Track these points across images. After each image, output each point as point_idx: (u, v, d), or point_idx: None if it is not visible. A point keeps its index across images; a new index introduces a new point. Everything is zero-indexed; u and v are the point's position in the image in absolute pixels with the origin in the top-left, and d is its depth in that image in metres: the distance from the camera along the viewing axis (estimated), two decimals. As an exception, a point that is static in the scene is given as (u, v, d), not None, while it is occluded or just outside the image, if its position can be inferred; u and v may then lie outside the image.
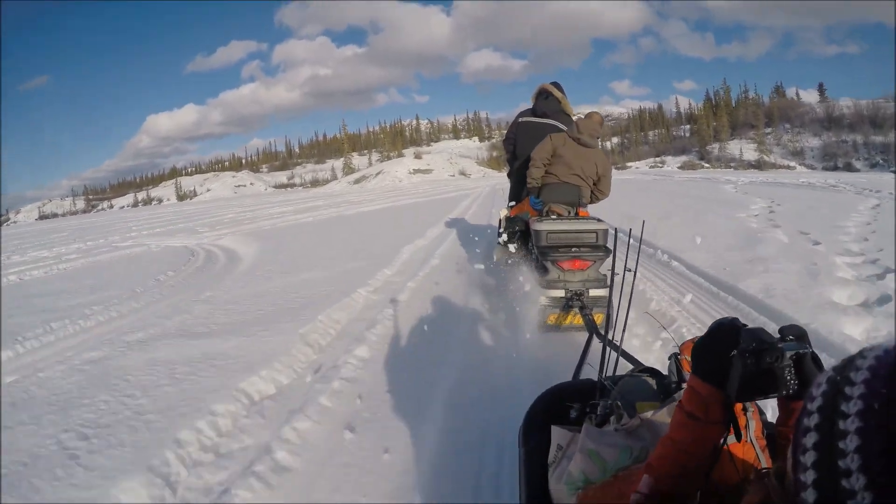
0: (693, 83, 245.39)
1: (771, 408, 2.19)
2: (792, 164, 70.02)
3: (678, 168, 71.96)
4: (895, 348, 0.68)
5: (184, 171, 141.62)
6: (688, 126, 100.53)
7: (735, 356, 1.11)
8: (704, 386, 1.15)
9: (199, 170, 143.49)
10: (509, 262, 5.67)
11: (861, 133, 70.59)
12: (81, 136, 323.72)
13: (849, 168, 61.30)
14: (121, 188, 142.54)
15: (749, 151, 75.41)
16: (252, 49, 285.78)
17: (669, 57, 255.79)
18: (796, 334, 1.18)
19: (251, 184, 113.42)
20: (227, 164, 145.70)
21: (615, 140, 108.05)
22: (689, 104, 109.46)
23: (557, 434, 1.82)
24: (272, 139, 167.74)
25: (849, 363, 0.71)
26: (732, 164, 72.12)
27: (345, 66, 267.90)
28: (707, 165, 73.50)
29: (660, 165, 77.63)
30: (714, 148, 79.39)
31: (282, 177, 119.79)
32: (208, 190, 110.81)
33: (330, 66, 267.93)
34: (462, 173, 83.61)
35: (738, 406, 1.25)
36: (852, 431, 0.63)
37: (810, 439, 0.69)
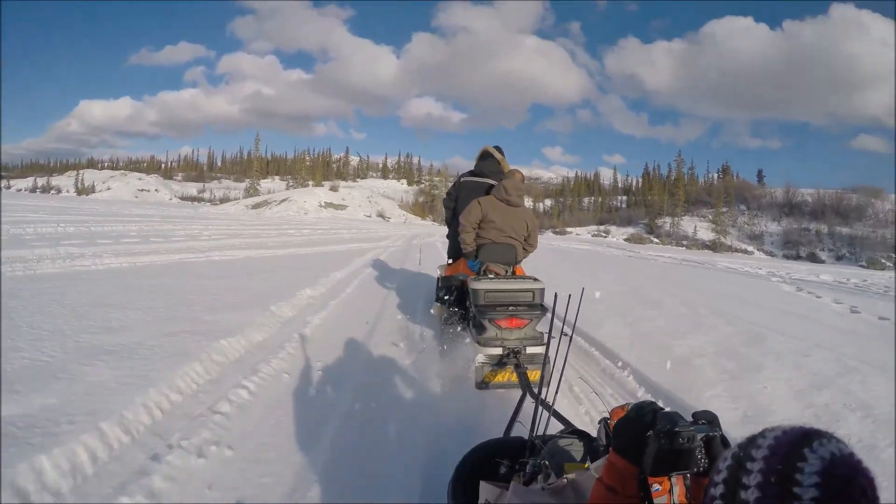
0: (622, 157, 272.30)
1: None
2: (750, 248, 62.01)
3: (624, 240, 63.94)
4: (791, 430, 0.83)
5: (100, 165, 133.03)
6: (624, 197, 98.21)
7: (651, 436, 1.25)
8: (622, 461, 1.29)
9: (115, 166, 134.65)
10: (445, 319, 5.83)
11: (825, 223, 63.50)
12: (6, 109, 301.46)
13: (812, 258, 54.47)
14: (30, 170, 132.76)
15: (703, 230, 67.39)
16: (200, 54, 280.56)
17: (604, 130, 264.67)
18: (708, 419, 1.33)
19: (156, 190, 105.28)
20: (144, 164, 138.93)
21: (548, 202, 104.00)
22: (627, 176, 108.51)
23: (486, 490, 1.91)
24: (197, 148, 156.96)
25: (751, 441, 0.84)
26: (685, 243, 63.74)
27: (289, 89, 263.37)
28: (656, 241, 64.98)
29: (604, 235, 68.65)
30: (665, 223, 70.95)
31: (193, 188, 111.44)
32: (108, 188, 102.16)
33: (274, 86, 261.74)
34: (381, 215, 73.08)
35: None
36: (752, 500, 0.76)
37: None
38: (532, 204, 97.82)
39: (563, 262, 17.47)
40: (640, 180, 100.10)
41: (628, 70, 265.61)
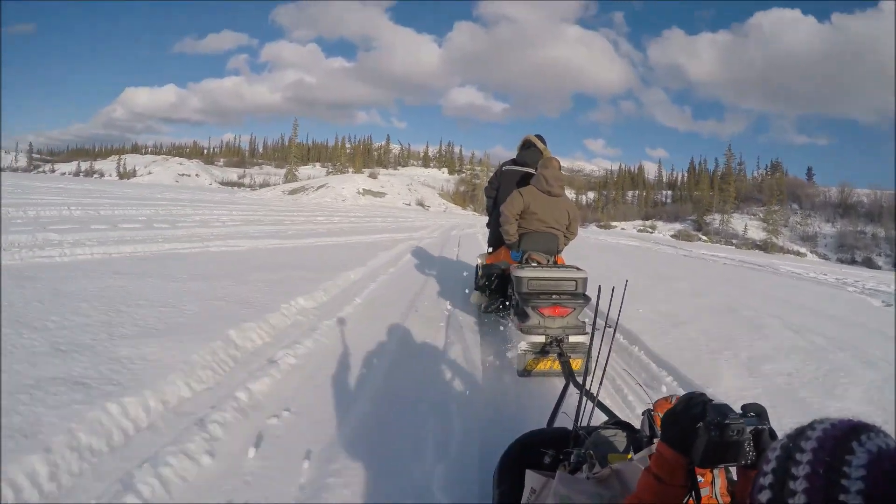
0: (665, 151, 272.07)
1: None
2: (802, 250, 59.16)
3: (671, 236, 61.56)
4: (839, 423, 0.82)
5: (144, 150, 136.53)
6: (669, 191, 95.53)
7: (701, 427, 1.23)
8: (671, 451, 1.29)
9: (158, 151, 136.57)
10: (485, 307, 5.98)
11: (882, 226, 60.26)
12: (55, 95, 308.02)
13: (869, 264, 51.56)
14: (77, 154, 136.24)
15: (753, 229, 64.63)
16: (243, 42, 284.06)
17: (646, 123, 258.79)
18: (757, 411, 1.31)
19: (196, 175, 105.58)
20: (187, 150, 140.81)
21: (591, 195, 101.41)
22: (673, 170, 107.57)
23: (532, 478, 1.91)
24: (239, 135, 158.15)
25: (800, 433, 0.84)
26: (734, 241, 61.12)
27: (330, 77, 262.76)
28: (704, 238, 62.49)
29: (650, 230, 66.22)
30: (714, 220, 68.34)
31: (233, 174, 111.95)
32: (150, 173, 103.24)
33: (316, 74, 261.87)
34: (420, 203, 71.44)
35: None
36: (800, 491, 0.76)
37: (764, 496, 0.82)
38: (575, 196, 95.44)
39: (619, 260, 15.49)
40: (686, 175, 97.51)
41: (672, 61, 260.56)
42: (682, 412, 1.31)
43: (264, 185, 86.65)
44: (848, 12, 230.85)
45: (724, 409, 1.25)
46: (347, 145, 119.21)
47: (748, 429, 1.24)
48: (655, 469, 1.31)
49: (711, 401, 1.31)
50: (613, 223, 71.63)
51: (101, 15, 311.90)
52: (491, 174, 7.23)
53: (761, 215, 67.34)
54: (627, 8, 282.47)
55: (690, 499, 1.34)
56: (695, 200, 76.94)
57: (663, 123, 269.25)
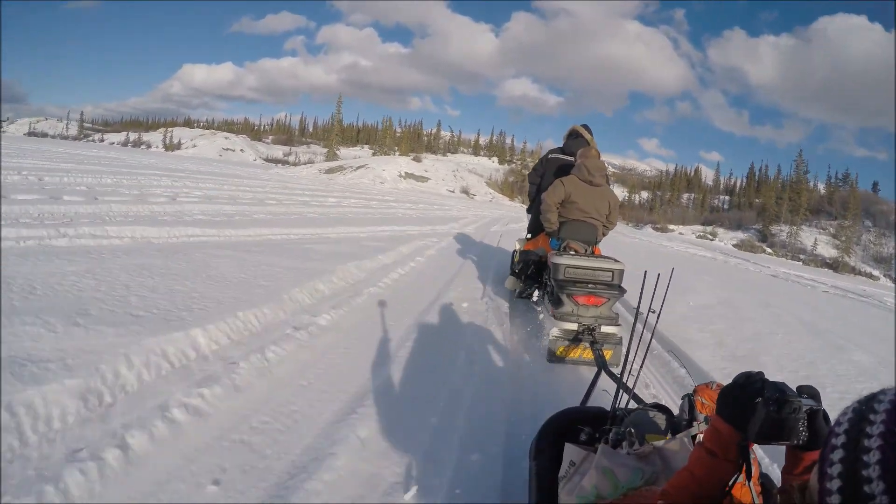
0: (719, 155, 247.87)
1: (767, 458, 2.65)
2: (875, 272, 53.37)
3: (733, 245, 56.10)
4: None
5: (195, 124, 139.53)
6: (726, 197, 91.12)
7: (759, 403, 1.25)
8: (726, 427, 1.31)
9: (209, 126, 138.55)
10: (519, 292, 6.33)
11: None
12: (115, 68, 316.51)
13: None
14: (130, 126, 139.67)
15: (822, 245, 59.01)
16: (300, 24, 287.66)
17: (702, 125, 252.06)
18: (811, 393, 1.33)
19: (241, 150, 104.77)
20: (238, 126, 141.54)
21: (644, 194, 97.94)
22: (731, 175, 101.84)
23: (571, 451, 1.96)
24: (289, 113, 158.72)
25: (872, 397, 0.86)
26: (802, 257, 55.56)
27: (386, 62, 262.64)
28: (770, 251, 57.09)
29: (710, 238, 60.80)
30: (781, 231, 62.69)
31: (279, 151, 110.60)
32: (194, 146, 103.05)
33: (371, 58, 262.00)
34: (465, 191, 66.58)
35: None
36: (874, 448, 0.78)
37: (837, 455, 0.84)
38: (628, 194, 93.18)
39: (706, 280, 12.11)
40: (745, 181, 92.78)
41: (732, 63, 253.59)
42: (741, 387, 1.32)
43: (309, 163, 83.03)
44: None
45: (781, 387, 1.27)
46: (397, 128, 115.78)
47: (804, 408, 1.25)
48: (709, 443, 1.34)
49: (769, 379, 1.31)
50: (671, 226, 66.43)
51: None
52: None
53: (832, 230, 61.58)
54: (689, 6, 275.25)
55: (741, 477, 1.35)
56: (759, 209, 71.25)
57: (719, 127, 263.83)
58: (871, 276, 51.12)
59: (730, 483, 1.33)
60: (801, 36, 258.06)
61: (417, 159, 71.34)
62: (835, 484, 0.82)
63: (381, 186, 51.95)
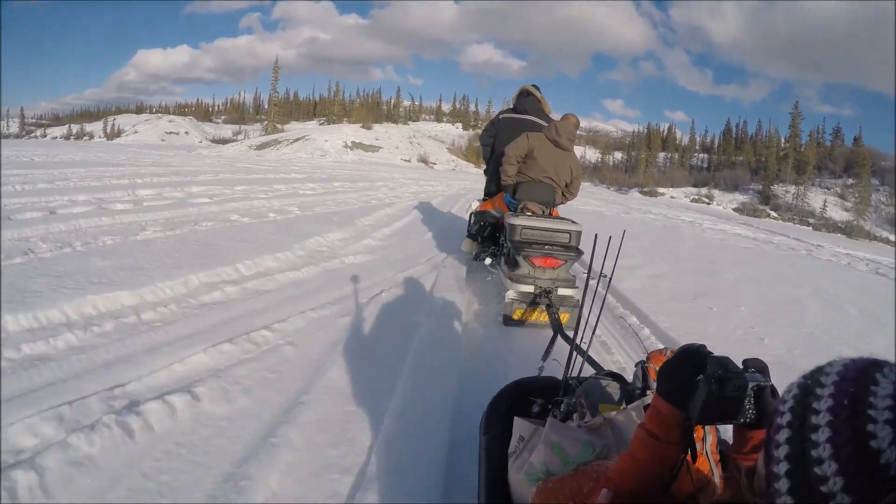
0: (684, 115, 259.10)
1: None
2: (892, 236, 45.55)
3: (734, 210, 48.57)
4: (858, 358, 0.80)
5: (149, 110, 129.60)
6: (704, 155, 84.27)
7: (701, 381, 1.16)
8: (667, 406, 1.22)
9: (164, 111, 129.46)
10: (476, 254, 6.09)
11: None
12: (68, 61, 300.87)
13: None
14: (77, 118, 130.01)
15: (832, 207, 51.16)
16: (255, 1, 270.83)
17: (667, 85, 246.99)
18: (758, 367, 1.23)
19: (186, 133, 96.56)
20: (192, 109, 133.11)
21: (618, 155, 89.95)
22: (706, 132, 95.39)
23: (520, 426, 1.86)
24: (243, 91, 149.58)
25: (818, 370, 0.82)
26: (811, 221, 47.74)
27: (345, 34, 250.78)
28: (774, 214, 49.14)
29: (706, 201, 52.58)
30: (787, 193, 54.62)
31: (229, 131, 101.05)
32: (136, 132, 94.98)
33: (330, 31, 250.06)
34: (423, 160, 57.72)
35: None
36: (823, 425, 0.73)
37: (783, 434, 0.79)
38: (600, 156, 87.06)
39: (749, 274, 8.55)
40: (721, 138, 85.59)
41: (695, 23, 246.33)
42: (680, 363, 1.25)
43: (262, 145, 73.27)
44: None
45: (725, 363, 1.18)
46: (355, 98, 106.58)
47: (750, 384, 1.16)
48: (650, 425, 1.25)
49: (711, 353, 1.24)
50: (661, 189, 57.96)
51: None
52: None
53: (838, 190, 54.15)
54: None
55: (687, 456, 1.28)
56: (754, 167, 63.95)
57: (684, 86, 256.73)
58: (887, 240, 43.25)
59: (679, 464, 1.26)
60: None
61: (367, 127, 61.99)
62: (783, 467, 0.77)
63: (319, 160, 42.77)
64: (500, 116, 6.59)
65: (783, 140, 66.04)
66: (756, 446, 1.16)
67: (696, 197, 54.25)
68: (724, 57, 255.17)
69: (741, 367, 1.21)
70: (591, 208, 18.75)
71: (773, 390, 1.18)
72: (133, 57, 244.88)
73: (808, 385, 0.79)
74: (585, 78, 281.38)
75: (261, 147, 52.03)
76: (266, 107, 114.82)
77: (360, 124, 64.44)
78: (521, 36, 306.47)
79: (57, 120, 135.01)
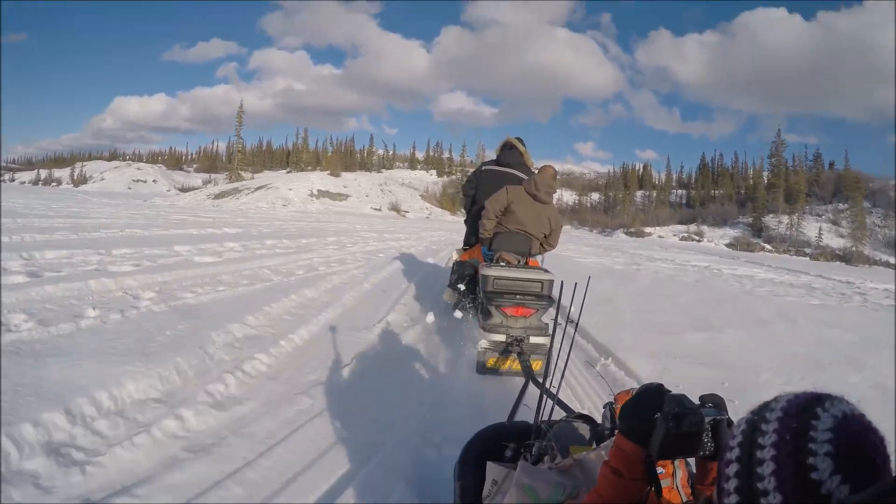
0: (655, 153, 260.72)
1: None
2: (891, 259, 42.59)
3: (726, 245, 45.65)
4: (802, 394, 0.84)
5: (122, 157, 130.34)
6: (682, 191, 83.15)
7: (658, 419, 1.21)
8: (629, 444, 1.26)
9: (137, 158, 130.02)
10: (455, 304, 5.93)
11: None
12: (45, 104, 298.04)
13: None
14: (49, 163, 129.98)
15: (827, 234, 48.31)
16: (232, 50, 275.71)
17: (636, 125, 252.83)
18: (715, 402, 1.31)
19: (154, 181, 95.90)
20: (164, 157, 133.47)
21: (595, 196, 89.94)
22: (682, 169, 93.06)
23: (493, 470, 1.88)
24: (216, 140, 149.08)
25: (764, 406, 0.86)
26: (807, 251, 44.79)
27: (319, 84, 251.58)
28: (769, 247, 46.23)
29: (696, 238, 49.52)
30: (780, 223, 51.66)
31: (198, 179, 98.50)
32: (103, 179, 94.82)
33: (305, 81, 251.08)
34: (395, 208, 53.69)
35: None
36: (768, 459, 0.78)
37: (732, 468, 0.83)
38: (577, 198, 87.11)
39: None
40: (697, 173, 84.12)
41: (660, 63, 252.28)
42: (639, 403, 1.30)
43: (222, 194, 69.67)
44: (833, 10, 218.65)
45: (681, 400, 1.22)
46: (328, 146, 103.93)
47: (706, 419, 1.22)
48: (614, 462, 1.29)
49: (669, 392, 1.29)
50: (647, 229, 54.80)
51: (90, 23, 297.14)
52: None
53: (830, 216, 51.44)
54: (615, 9, 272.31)
55: (651, 491, 1.32)
56: (741, 200, 61.72)
57: (652, 126, 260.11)
58: (888, 263, 40.57)
59: (644, 499, 1.28)
60: (724, 31, 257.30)
61: (335, 174, 58.43)
62: (733, 499, 0.81)
63: (282, 210, 39.04)
64: (483, 168, 6.61)
65: (766, 170, 63.86)
66: (716, 478, 1.07)
67: (686, 235, 51.26)
68: (691, 95, 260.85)
69: (698, 402, 1.27)
70: (593, 260, 15.55)
71: (731, 423, 1.22)
72: (110, 104, 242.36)
73: (755, 421, 0.84)
74: (556, 123, 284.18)
75: (219, 196, 47.95)
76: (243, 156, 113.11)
77: (328, 172, 60.75)
78: (491, 84, 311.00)
79: (30, 164, 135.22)
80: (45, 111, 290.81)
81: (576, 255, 16.65)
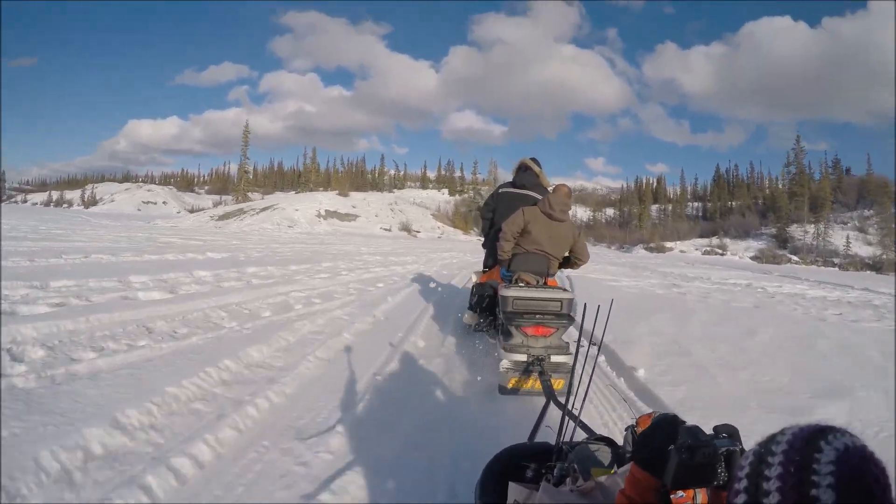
0: (665, 166, 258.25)
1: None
2: None
3: (751, 258, 43.94)
4: (807, 426, 0.86)
5: (134, 179, 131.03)
6: (698, 203, 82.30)
7: (672, 450, 1.21)
8: (643, 474, 1.27)
9: (149, 180, 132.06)
10: (475, 326, 5.95)
11: None
12: (59, 127, 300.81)
13: None
14: (63, 185, 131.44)
15: (855, 242, 46.13)
16: (243, 74, 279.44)
17: (645, 139, 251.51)
18: (729, 432, 1.29)
19: (164, 202, 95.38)
20: (177, 179, 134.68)
21: (609, 212, 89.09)
22: (696, 181, 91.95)
23: (514, 490, 1.85)
24: (228, 161, 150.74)
25: (771, 439, 0.87)
26: (836, 261, 42.65)
27: (330, 106, 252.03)
28: (795, 258, 44.11)
29: (719, 252, 47.50)
30: (806, 233, 49.41)
31: (209, 201, 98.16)
32: (112, 200, 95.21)
33: (315, 103, 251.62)
34: (406, 228, 51.87)
35: None
36: (773, 490, 0.80)
37: (740, 499, 0.85)
38: (592, 214, 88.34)
39: None
40: (711, 185, 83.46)
41: (667, 76, 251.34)
42: (653, 434, 1.31)
43: (228, 214, 68.12)
44: (838, 15, 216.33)
45: (695, 432, 1.23)
46: (339, 167, 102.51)
47: (720, 450, 1.21)
48: (629, 491, 1.29)
49: (684, 423, 1.30)
50: (667, 244, 52.72)
51: (104, 47, 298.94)
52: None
53: (856, 223, 49.42)
54: (621, 24, 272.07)
55: None
56: (762, 210, 59.30)
57: (661, 138, 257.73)
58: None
59: None
60: (730, 42, 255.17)
61: (344, 194, 56.76)
62: None
63: (286, 232, 37.37)
64: (500, 191, 6.56)
65: (784, 179, 62.18)
66: None
67: (708, 248, 49.16)
68: (699, 106, 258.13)
69: (712, 432, 1.27)
70: (627, 284, 13.45)
71: (744, 452, 1.15)
72: (124, 126, 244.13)
73: (762, 453, 0.85)
74: (565, 138, 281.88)
75: (223, 217, 46.32)
76: (251, 177, 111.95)
77: (337, 191, 59.07)
78: (500, 102, 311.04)
79: (44, 186, 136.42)
80: (60, 134, 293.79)
81: (605, 277, 14.59)
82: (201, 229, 32.92)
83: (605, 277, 14.52)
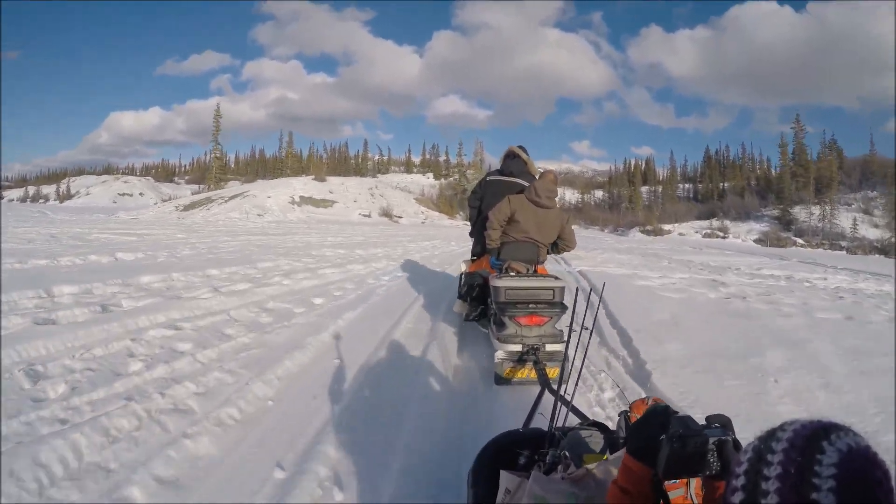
0: (651, 149, 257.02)
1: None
2: None
3: (754, 241, 40.97)
4: (809, 423, 0.83)
5: (115, 171, 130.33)
6: (689, 185, 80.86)
7: (664, 440, 1.21)
8: (636, 463, 1.28)
9: (130, 172, 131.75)
10: (466, 315, 5.80)
11: None
12: (40, 122, 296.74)
13: None
14: (41, 180, 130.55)
15: (862, 225, 43.53)
16: (225, 62, 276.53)
17: (630, 122, 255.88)
18: (721, 422, 1.31)
19: (140, 194, 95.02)
20: (157, 170, 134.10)
21: (599, 193, 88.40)
22: (685, 163, 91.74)
23: (506, 479, 1.84)
24: (207, 151, 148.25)
25: (771, 435, 0.85)
26: (843, 244, 39.89)
27: (313, 93, 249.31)
28: (800, 241, 41.34)
29: (720, 235, 44.57)
30: (810, 215, 46.51)
31: (188, 191, 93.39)
32: (88, 193, 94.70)
33: (298, 90, 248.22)
34: (386, 214, 48.52)
35: None
36: (772, 491, 0.77)
37: (737, 497, 0.82)
38: (581, 196, 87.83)
39: None
40: (701, 166, 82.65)
41: (652, 60, 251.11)
42: (646, 423, 1.31)
43: (190, 205, 63.91)
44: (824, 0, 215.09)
45: (686, 421, 1.25)
46: (322, 153, 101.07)
47: (711, 440, 1.22)
48: (622, 481, 1.30)
49: (676, 413, 1.31)
50: (665, 227, 49.73)
51: (84, 39, 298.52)
52: (481, 176, 6.81)
53: (860, 204, 47.06)
54: (605, 7, 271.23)
55: (682, 490, 1.37)
56: (762, 191, 57.11)
57: (647, 122, 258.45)
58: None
59: None
60: (715, 26, 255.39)
61: (320, 179, 53.21)
62: None
63: (255, 221, 33.93)
64: (487, 178, 6.44)
65: (776, 160, 61.21)
66: (721, 496, 1.06)
67: (709, 231, 46.27)
68: (684, 90, 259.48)
69: (704, 422, 1.28)
70: (659, 280, 10.43)
71: (736, 443, 1.23)
72: (106, 119, 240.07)
73: (761, 450, 0.82)
74: (551, 122, 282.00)
75: (188, 207, 42.48)
76: (225, 164, 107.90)
77: (313, 176, 55.41)
78: (485, 87, 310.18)
79: (23, 182, 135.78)
80: (42, 129, 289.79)
81: (625, 272, 11.17)
82: (159, 221, 29.50)
83: (624, 272, 11.27)
